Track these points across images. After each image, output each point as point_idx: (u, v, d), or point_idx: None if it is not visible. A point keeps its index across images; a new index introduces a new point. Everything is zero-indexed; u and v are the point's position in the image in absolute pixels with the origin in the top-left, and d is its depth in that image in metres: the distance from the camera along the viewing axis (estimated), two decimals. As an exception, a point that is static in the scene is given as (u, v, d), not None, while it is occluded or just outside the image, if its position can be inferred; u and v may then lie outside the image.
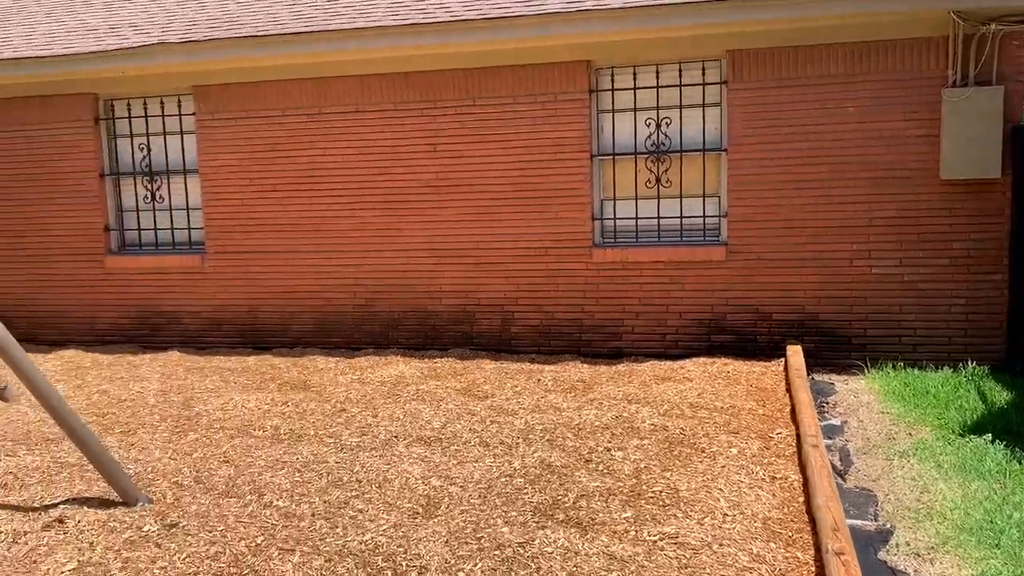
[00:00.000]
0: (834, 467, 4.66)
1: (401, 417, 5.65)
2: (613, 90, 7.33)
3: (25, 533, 3.87)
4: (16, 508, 4.19)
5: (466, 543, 3.62)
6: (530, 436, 5.13)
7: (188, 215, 8.46)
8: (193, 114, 8.22)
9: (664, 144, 7.28)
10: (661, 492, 4.15)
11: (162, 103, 8.37)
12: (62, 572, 3.47)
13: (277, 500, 4.20)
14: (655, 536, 3.65)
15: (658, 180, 7.33)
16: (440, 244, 7.73)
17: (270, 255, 8.15)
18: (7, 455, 5.05)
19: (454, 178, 7.62)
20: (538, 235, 7.50)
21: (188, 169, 8.38)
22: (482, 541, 3.63)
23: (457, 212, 7.65)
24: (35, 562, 3.57)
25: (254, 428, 5.52)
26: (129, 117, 8.48)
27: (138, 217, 8.61)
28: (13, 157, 8.68)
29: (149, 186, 8.53)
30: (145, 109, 8.42)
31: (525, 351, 7.63)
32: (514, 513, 3.94)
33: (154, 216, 8.57)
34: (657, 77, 7.21)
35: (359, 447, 5.04)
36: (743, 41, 6.86)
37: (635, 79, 7.27)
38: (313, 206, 7.99)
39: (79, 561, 3.55)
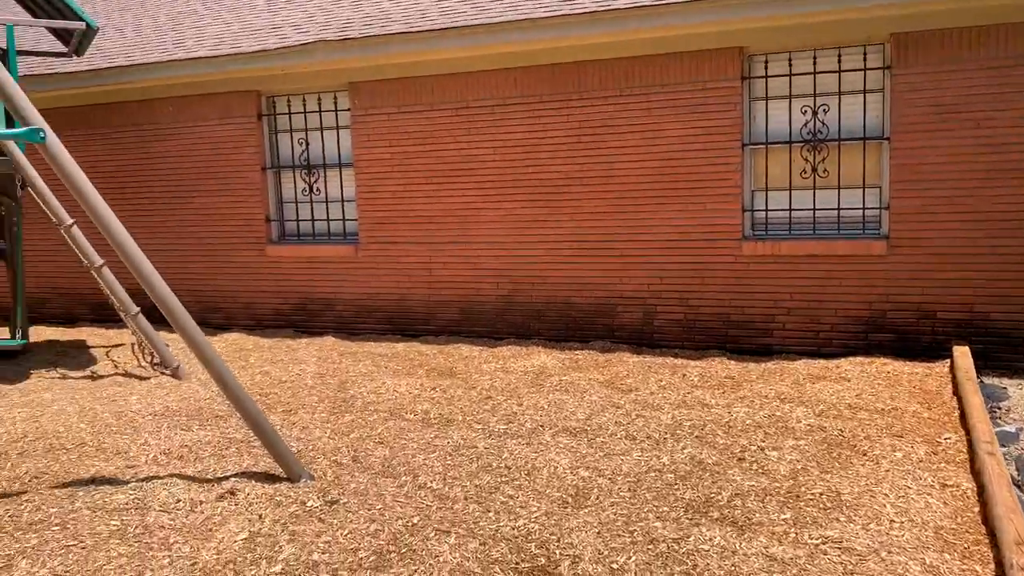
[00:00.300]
0: (1011, 478, 4.33)
1: (545, 407, 5.68)
2: (767, 77, 7.08)
3: (201, 503, 4.14)
4: (192, 479, 4.49)
5: (618, 535, 3.59)
6: (678, 432, 5.04)
7: (343, 207, 8.82)
8: (348, 109, 8.56)
9: (821, 132, 6.96)
10: (821, 495, 3.98)
11: (319, 99, 8.75)
12: (235, 541, 3.69)
13: (430, 482, 4.32)
14: (817, 539, 3.50)
15: (814, 170, 7.03)
16: (583, 236, 7.71)
17: (419, 246, 8.37)
18: (182, 429, 5.42)
19: (599, 169, 7.58)
20: (684, 227, 7.35)
21: (343, 163, 8.73)
22: (634, 535, 3.60)
23: (601, 204, 7.61)
24: (211, 530, 3.81)
25: (405, 411, 5.69)
26: (289, 113, 8.92)
27: (296, 208, 9.05)
28: (186, 152, 9.31)
29: (307, 179, 8.94)
30: (304, 105, 8.82)
31: (668, 345, 7.50)
32: (666, 508, 3.88)
33: (311, 207, 8.98)
34: (814, 63, 6.91)
35: (506, 434, 5.11)
36: (909, 23, 6.46)
37: (791, 65, 6.99)
38: (460, 198, 8.15)
39: (250, 532, 3.77)
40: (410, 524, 3.79)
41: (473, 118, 7.99)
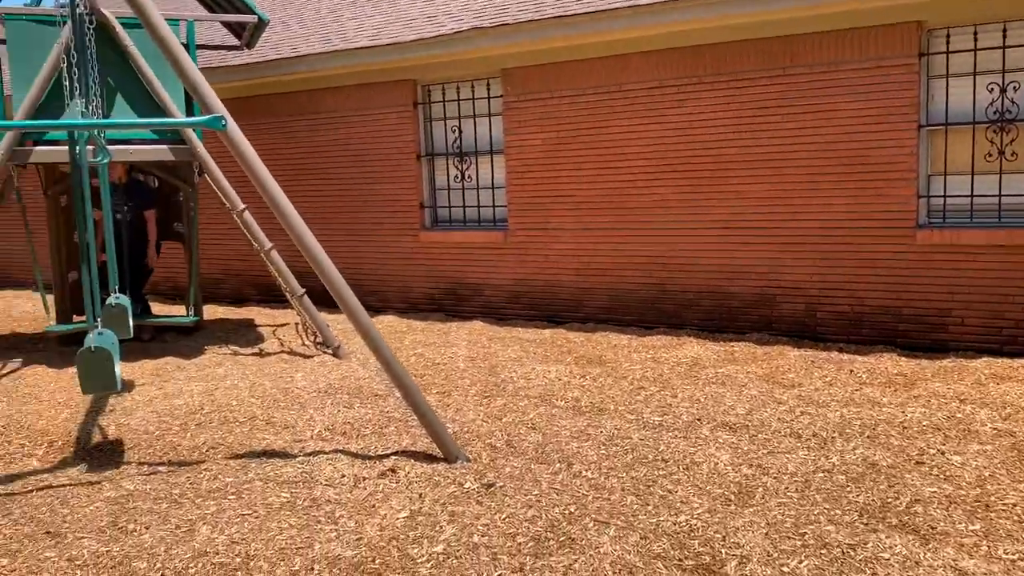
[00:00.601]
0: None
1: (702, 400, 5.51)
2: (948, 52, 6.55)
3: (364, 479, 4.26)
4: (355, 455, 4.63)
5: (788, 538, 3.41)
6: (847, 431, 4.75)
7: (493, 193, 8.89)
8: (500, 96, 8.60)
9: (1010, 112, 6.38)
10: (1015, 506, 3.64)
11: (473, 87, 8.84)
12: (397, 518, 3.76)
13: (585, 471, 4.26)
14: (1014, 555, 3.20)
15: (1001, 153, 6.45)
16: (741, 222, 7.43)
17: (568, 232, 8.33)
18: (344, 407, 5.62)
19: (758, 153, 7.27)
20: (851, 213, 6.94)
21: (494, 149, 8.79)
22: (805, 538, 3.41)
23: (760, 189, 7.30)
24: (373, 506, 3.91)
25: (556, 398, 5.67)
26: (443, 101, 9.06)
27: (448, 195, 9.21)
28: (345, 141, 9.66)
29: (459, 166, 9.07)
30: (458, 93, 8.94)
31: (831, 339, 7.11)
32: (838, 512, 3.66)
33: (463, 194, 9.10)
34: (1004, 35, 6.33)
35: (661, 426, 4.98)
36: (1123, -14, 5.80)
37: (975, 39, 6.43)
38: (611, 184, 8.03)
39: (411, 510, 3.84)
40: (567, 512, 3.74)
41: (627, 102, 7.84)
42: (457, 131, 9.02)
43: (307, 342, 7.85)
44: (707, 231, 7.60)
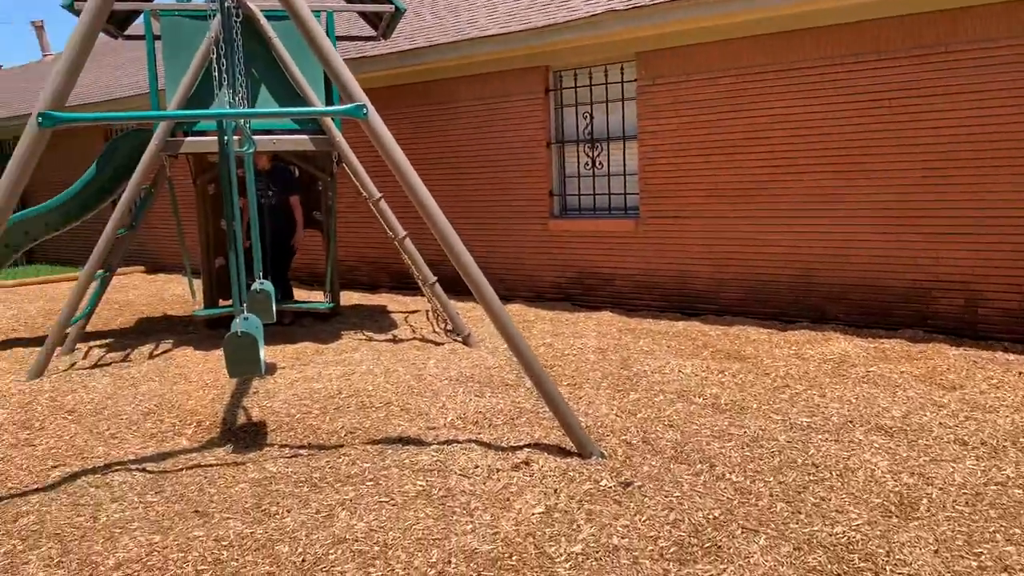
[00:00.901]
0: None
1: (853, 400, 5.16)
2: None
3: (498, 470, 4.20)
4: (488, 446, 4.58)
5: (961, 557, 3.11)
6: (1022, 440, 4.33)
7: (625, 180, 8.69)
8: (634, 80, 8.37)
9: None
10: None
11: (606, 71, 8.65)
12: (532, 513, 3.68)
13: (729, 473, 4.05)
14: None
15: None
16: (891, 211, 6.94)
17: (702, 220, 8.03)
18: (476, 396, 5.59)
19: (909, 136, 6.76)
20: (1020, 201, 6.34)
21: (627, 135, 8.58)
22: (981, 558, 3.09)
23: (914, 174, 6.79)
24: (508, 500, 3.84)
25: (693, 394, 5.45)
26: (575, 87, 8.91)
27: (579, 183, 9.06)
28: (476, 129, 9.66)
29: (590, 153, 8.91)
30: (590, 78, 8.77)
31: (996, 338, 6.55)
32: (1017, 531, 3.31)
33: (593, 182, 8.94)
34: None
35: (810, 428, 4.69)
36: None
37: None
38: (748, 170, 7.68)
39: (546, 506, 3.74)
40: (711, 517, 3.56)
41: (767, 84, 7.46)
42: (588, 117, 8.86)
43: (438, 329, 7.91)
44: (856, 219, 7.14)
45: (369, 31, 8.90)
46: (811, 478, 3.96)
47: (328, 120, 7.01)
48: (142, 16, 7.31)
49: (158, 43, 7.04)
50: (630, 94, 8.50)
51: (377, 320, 8.61)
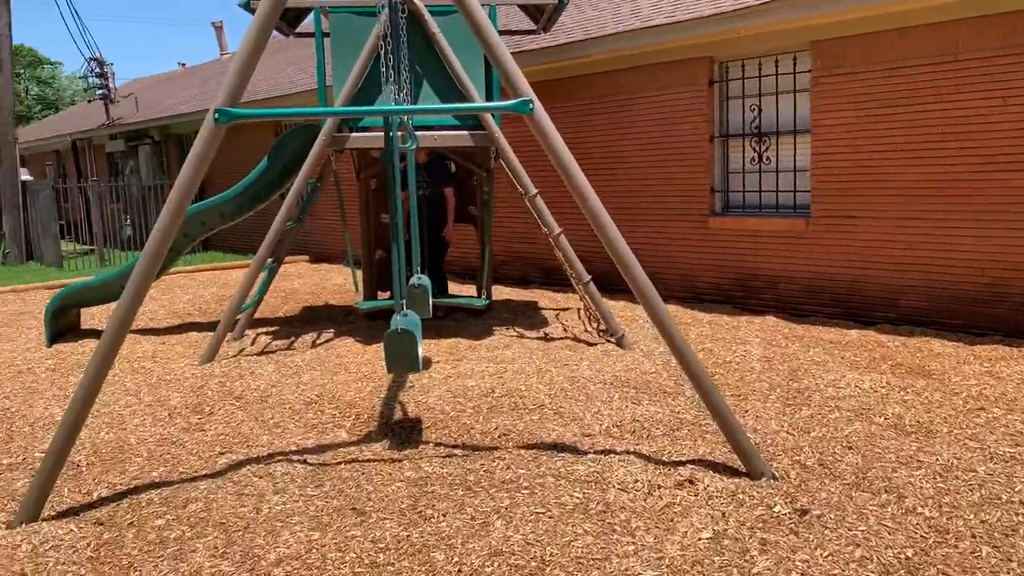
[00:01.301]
0: None
1: (1064, 429, 4.56)
2: None
3: (659, 487, 3.96)
4: (647, 459, 4.35)
5: None
6: None
7: (794, 177, 8.17)
8: (808, 71, 7.84)
9: None
10: None
11: (776, 62, 8.16)
12: (699, 538, 3.43)
13: (921, 507, 3.64)
14: None
15: None
16: (1113, 215, 6.12)
17: (882, 221, 7.41)
18: (632, 402, 5.36)
19: None
20: None
21: (798, 129, 8.06)
22: None
23: None
24: (672, 520, 3.60)
25: (873, 413, 4.99)
26: (742, 78, 8.46)
27: (743, 179, 8.61)
28: (634, 122, 9.38)
29: (757, 147, 8.44)
30: (759, 69, 8.30)
31: None
32: None
33: (759, 178, 8.47)
34: None
35: (1014, 459, 4.17)
36: None
37: None
38: (937, 167, 7.00)
39: (714, 531, 3.48)
40: (904, 558, 3.18)
41: (960, 73, 6.77)
42: (756, 110, 8.38)
43: (590, 329, 7.73)
44: (1065, 224, 6.37)
45: (530, 24, 8.79)
46: (1021, 519, 3.49)
47: (488, 116, 6.95)
48: (312, 13, 7.50)
49: (327, 40, 7.20)
50: (802, 85, 7.97)
51: (528, 316, 8.52)
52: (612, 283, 8.39)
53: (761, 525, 3.52)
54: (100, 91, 20.14)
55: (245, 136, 16.35)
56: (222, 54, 27.94)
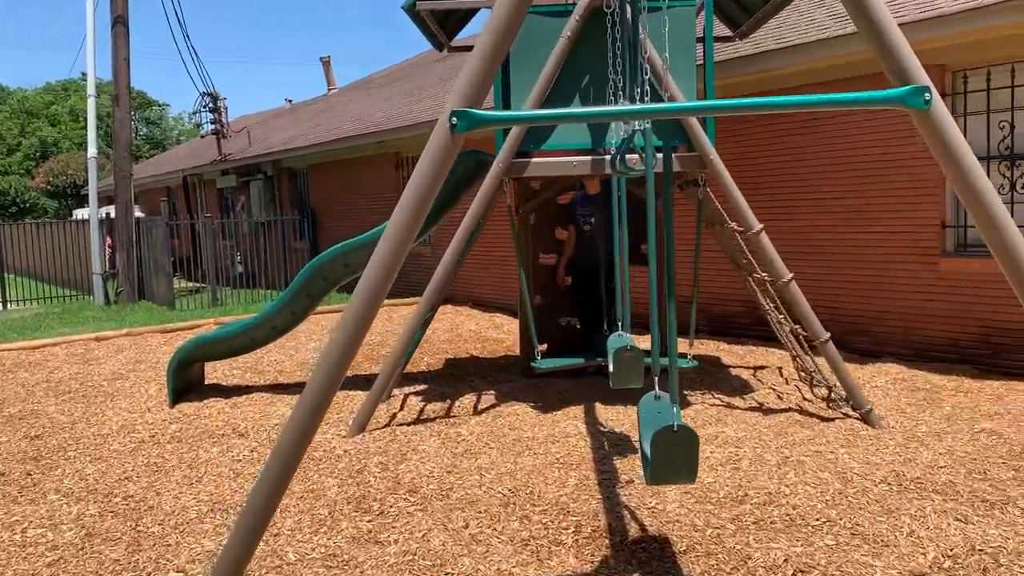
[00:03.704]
0: None
1: None
2: None
3: None
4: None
5: None
6: None
7: (1064, 208, 6.58)
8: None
9: None
10: None
11: (1036, 67, 6.63)
12: None
13: None
14: None
15: None
16: None
17: None
18: (955, 518, 3.89)
19: None
20: None
21: (1069, 149, 6.48)
22: None
23: None
24: None
25: None
26: (987, 90, 6.94)
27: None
28: (829, 145, 7.93)
29: (1008, 173, 6.87)
30: (1012, 77, 6.76)
31: None
32: None
33: (1012, 208, 6.88)
34: None
35: None
36: None
37: None
38: None
39: None
40: None
41: None
42: (1008, 127, 6.83)
43: (813, 396, 6.26)
44: None
45: (725, 31, 7.46)
46: None
47: (701, 133, 5.63)
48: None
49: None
50: (1072, 95, 6.41)
51: (719, 378, 7.10)
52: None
53: None
54: (213, 125, 19.79)
55: (360, 166, 15.55)
56: (329, 89, 27.67)
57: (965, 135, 6.99)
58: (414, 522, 4.12)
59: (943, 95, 7.12)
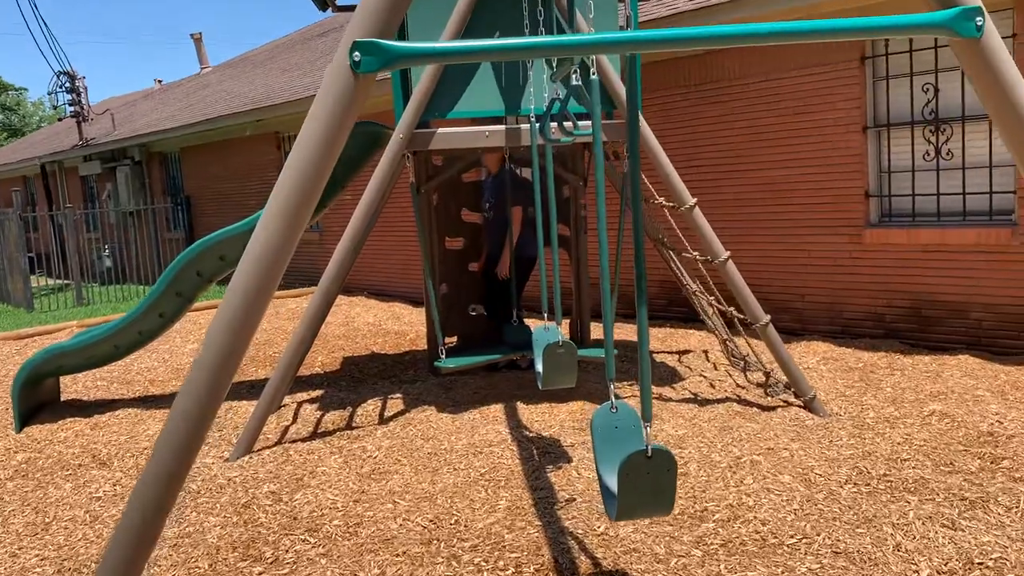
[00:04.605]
0: None
1: None
2: None
3: None
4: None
5: None
6: None
7: (990, 175, 6.32)
8: (1011, 36, 6.02)
9: None
10: None
11: (960, 27, 6.32)
12: None
13: None
14: None
15: None
16: None
17: None
18: (941, 525, 3.44)
19: None
20: None
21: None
22: None
23: None
24: None
25: None
26: (909, 51, 6.63)
27: (912, 179, 6.75)
28: (749, 113, 7.52)
29: (932, 139, 6.59)
30: (935, 39, 6.46)
31: None
32: None
33: (937, 177, 6.62)
34: None
35: None
36: None
37: None
38: None
39: None
40: None
41: None
42: (931, 90, 6.54)
43: (747, 382, 5.82)
44: None
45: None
46: None
47: (623, 99, 5.03)
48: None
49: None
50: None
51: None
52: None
53: None
54: (71, 108, 18.00)
55: (237, 147, 14.38)
56: (203, 67, 25.88)
57: (888, 99, 6.70)
58: (317, 572, 3.36)
59: (863, 58, 6.80)
